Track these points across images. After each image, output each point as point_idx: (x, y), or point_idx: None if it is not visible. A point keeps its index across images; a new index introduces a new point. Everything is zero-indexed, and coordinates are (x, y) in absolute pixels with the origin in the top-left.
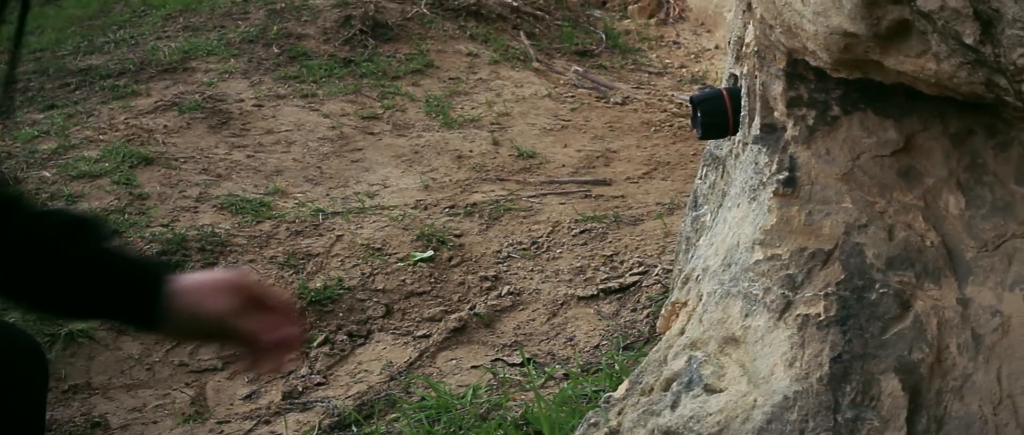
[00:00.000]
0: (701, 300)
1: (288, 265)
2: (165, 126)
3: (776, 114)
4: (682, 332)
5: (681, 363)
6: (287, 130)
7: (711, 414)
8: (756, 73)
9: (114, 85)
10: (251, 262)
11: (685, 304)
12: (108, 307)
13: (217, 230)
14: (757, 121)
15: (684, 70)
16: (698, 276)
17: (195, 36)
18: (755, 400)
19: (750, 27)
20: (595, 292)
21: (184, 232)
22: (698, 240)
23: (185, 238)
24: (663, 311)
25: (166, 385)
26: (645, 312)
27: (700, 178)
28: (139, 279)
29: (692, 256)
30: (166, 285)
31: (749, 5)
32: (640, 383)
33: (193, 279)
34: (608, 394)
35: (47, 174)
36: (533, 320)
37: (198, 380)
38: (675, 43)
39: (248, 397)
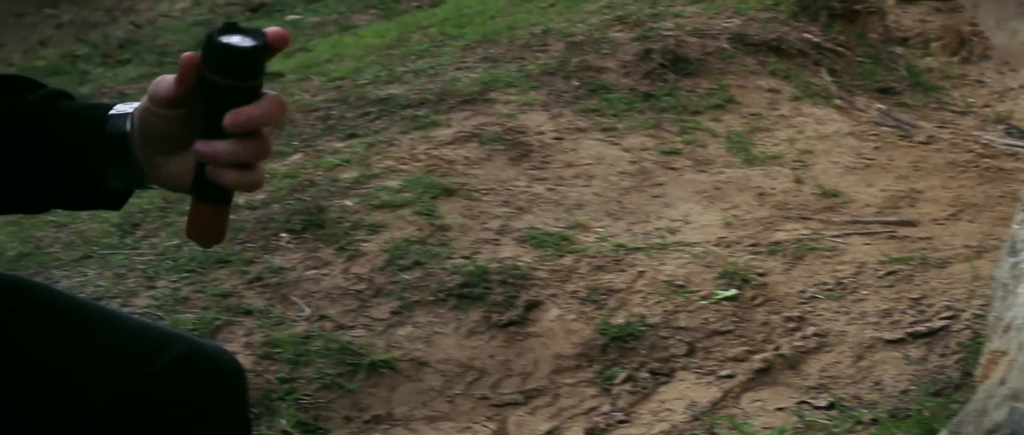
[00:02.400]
0: (1022, 349)
1: (590, 300)
2: (466, 157)
3: None
4: (1002, 382)
5: (1002, 414)
6: (587, 163)
7: None
8: None
9: (414, 115)
10: (552, 296)
11: (1005, 353)
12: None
13: (519, 263)
14: None
15: (988, 109)
16: (1019, 325)
17: (494, 67)
18: None
19: None
20: (902, 335)
21: (486, 265)
22: (1017, 287)
23: (487, 271)
24: (982, 359)
25: (467, 418)
26: (954, 358)
27: (1018, 224)
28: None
29: (1011, 304)
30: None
31: None
32: (959, 433)
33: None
34: None
35: (349, 203)
36: (838, 362)
37: (499, 414)
38: (978, 82)
39: (549, 433)
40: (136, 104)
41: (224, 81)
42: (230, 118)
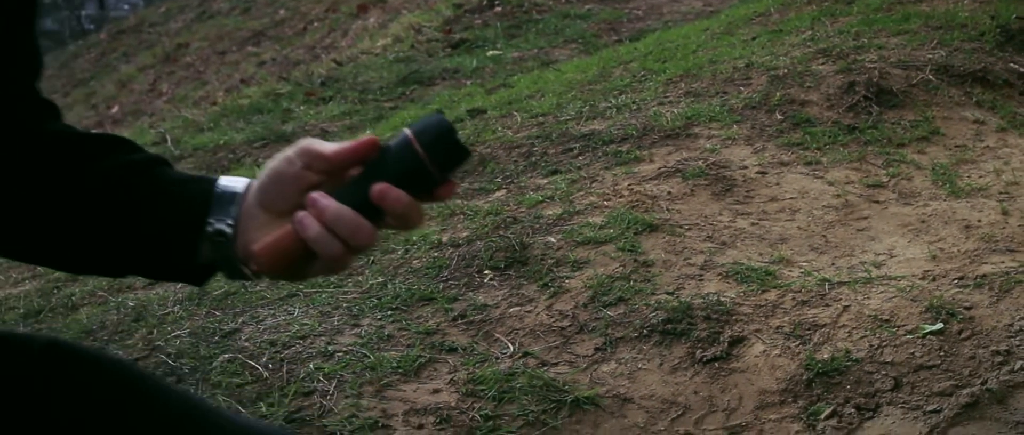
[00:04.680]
0: None
1: (794, 335)
2: (669, 192)
3: None
4: None
5: None
6: (791, 197)
7: None
8: None
9: (617, 151)
10: (756, 332)
11: None
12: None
13: (722, 299)
14: None
15: None
16: None
17: (697, 102)
18: None
19: None
20: None
21: (689, 300)
22: None
23: (690, 306)
24: None
25: None
26: None
27: None
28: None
29: None
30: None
31: None
32: None
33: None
34: None
35: (552, 239)
36: None
37: None
38: None
39: None
40: (245, 180)
41: (433, 168)
42: (386, 192)
